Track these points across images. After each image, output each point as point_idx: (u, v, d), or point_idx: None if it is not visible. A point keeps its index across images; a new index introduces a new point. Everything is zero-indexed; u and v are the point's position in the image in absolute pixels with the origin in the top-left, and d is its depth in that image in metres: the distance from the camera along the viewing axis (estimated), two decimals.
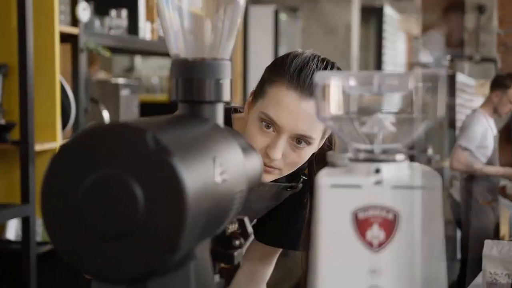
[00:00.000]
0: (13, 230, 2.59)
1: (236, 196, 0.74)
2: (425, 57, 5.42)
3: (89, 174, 0.62)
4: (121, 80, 3.18)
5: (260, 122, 1.25)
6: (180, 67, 0.80)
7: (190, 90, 0.80)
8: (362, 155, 0.71)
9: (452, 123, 6.92)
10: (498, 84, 4.29)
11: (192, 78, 0.80)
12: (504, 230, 4.71)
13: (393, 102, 0.74)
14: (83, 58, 2.68)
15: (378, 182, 0.68)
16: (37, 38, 2.42)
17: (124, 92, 3.06)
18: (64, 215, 0.63)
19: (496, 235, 4.33)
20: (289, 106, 1.22)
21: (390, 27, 7.75)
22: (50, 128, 2.48)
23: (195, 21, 0.82)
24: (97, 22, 2.95)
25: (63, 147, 0.63)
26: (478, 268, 4.47)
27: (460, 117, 7.18)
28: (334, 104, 0.72)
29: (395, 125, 0.71)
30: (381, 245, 0.68)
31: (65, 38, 2.63)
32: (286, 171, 1.30)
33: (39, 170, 2.44)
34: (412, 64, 8.81)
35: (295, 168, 1.31)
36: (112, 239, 0.61)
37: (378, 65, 7.49)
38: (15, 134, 2.39)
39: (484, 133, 4.22)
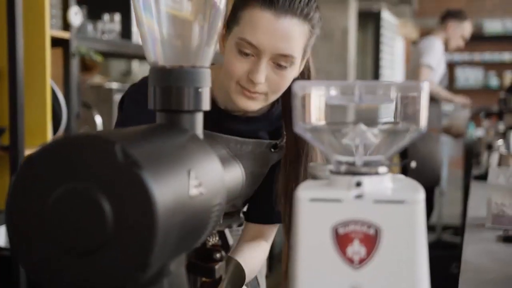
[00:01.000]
0: (3, 236, 2.57)
1: (213, 210, 0.71)
2: None
3: (57, 187, 0.59)
4: (115, 85, 3.16)
5: (238, 49, 1.23)
6: (158, 75, 0.78)
7: (168, 99, 0.77)
8: (343, 168, 0.69)
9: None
10: (454, 15, 4.37)
11: (171, 87, 0.77)
12: None
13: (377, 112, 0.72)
14: (74, 63, 2.65)
15: (359, 196, 0.66)
16: (27, 42, 2.40)
17: (118, 97, 3.03)
18: (30, 228, 0.60)
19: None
20: (266, 27, 1.20)
21: (387, 32, 7.73)
22: (41, 133, 2.46)
23: (173, 28, 0.79)
24: (89, 26, 2.93)
25: (30, 158, 0.61)
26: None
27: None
28: (314, 115, 0.70)
29: (377, 136, 0.69)
30: (362, 261, 0.65)
31: (57, 42, 2.60)
32: (272, 97, 1.27)
33: None
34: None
35: (279, 93, 1.28)
36: (80, 255, 0.59)
37: (376, 70, 7.47)
38: (4, 139, 2.36)
39: (440, 54, 4.33)
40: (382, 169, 0.68)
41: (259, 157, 1.39)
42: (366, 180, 0.67)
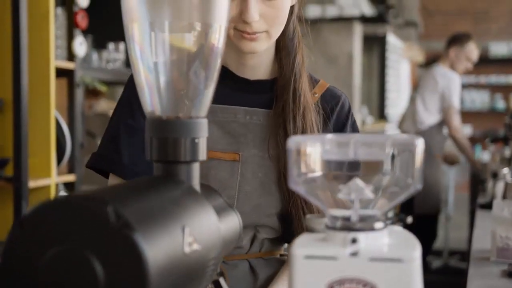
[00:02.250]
0: None
1: (209, 264, 0.71)
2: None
3: (49, 249, 0.59)
4: None
5: None
6: (154, 126, 0.78)
7: (165, 150, 0.77)
8: (338, 223, 0.68)
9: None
10: (455, 40, 4.39)
11: (167, 138, 0.77)
12: None
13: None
14: (79, 93, 2.66)
15: (354, 254, 0.65)
16: (32, 73, 2.41)
17: None
18: None
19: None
20: None
21: (393, 55, 7.75)
22: (45, 164, 2.46)
23: (170, 78, 0.79)
24: (94, 55, 2.95)
25: (22, 220, 0.60)
26: (425, 223, 4.50)
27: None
28: (308, 170, 0.69)
29: (373, 191, 0.69)
30: None
31: (62, 72, 2.62)
32: (274, 32, 1.19)
33: None
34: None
35: (282, 26, 1.20)
36: None
37: (381, 93, 7.47)
38: (8, 170, 2.36)
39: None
40: (378, 225, 0.68)
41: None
42: (361, 236, 0.66)
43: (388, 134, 0.92)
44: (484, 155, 8.76)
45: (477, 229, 2.45)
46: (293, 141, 0.68)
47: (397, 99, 8.33)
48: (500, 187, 2.94)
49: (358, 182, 0.69)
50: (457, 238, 5.71)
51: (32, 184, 2.38)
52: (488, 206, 2.89)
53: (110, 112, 3.16)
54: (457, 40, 4.40)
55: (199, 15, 0.77)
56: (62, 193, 2.80)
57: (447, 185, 5.73)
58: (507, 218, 1.82)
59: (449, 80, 4.35)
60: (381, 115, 7.39)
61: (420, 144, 0.67)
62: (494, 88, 10.30)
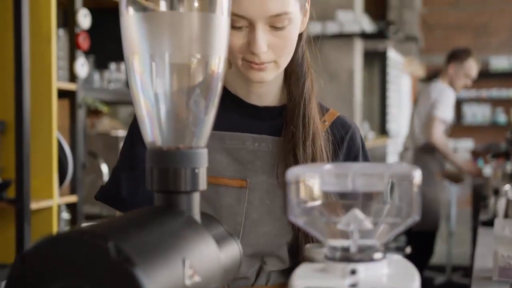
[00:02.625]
0: None
1: None
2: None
3: (50, 284, 0.59)
4: (121, 133, 3.18)
5: (231, 25, 1.09)
6: (155, 157, 0.79)
7: (166, 180, 0.78)
8: (338, 254, 0.69)
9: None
10: (454, 56, 4.39)
11: (168, 168, 0.78)
12: None
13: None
14: (81, 114, 2.68)
15: (353, 285, 0.66)
16: (34, 94, 2.43)
17: None
18: None
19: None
20: None
21: (394, 70, 7.77)
22: (47, 185, 2.47)
23: (171, 109, 0.80)
24: (96, 76, 2.96)
25: (23, 255, 0.61)
26: (422, 240, 4.49)
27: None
28: (307, 200, 0.70)
29: (372, 221, 0.69)
30: None
31: (63, 93, 2.63)
32: (282, 62, 1.19)
33: (35, 229, 2.42)
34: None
35: (290, 55, 1.19)
36: None
37: (383, 109, 7.49)
38: (10, 192, 2.37)
39: (452, 105, 4.37)
40: (377, 255, 0.68)
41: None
42: (361, 267, 0.67)
43: (387, 165, 0.91)
44: (486, 169, 8.77)
45: (479, 247, 2.45)
46: (292, 173, 0.69)
47: (398, 114, 8.35)
48: (502, 204, 2.94)
49: (357, 213, 0.69)
50: (460, 254, 5.70)
51: (34, 205, 2.39)
52: (490, 223, 2.89)
53: (112, 132, 3.16)
54: (456, 56, 4.40)
55: (198, 47, 0.78)
56: (64, 214, 2.80)
57: (449, 201, 5.72)
58: (509, 237, 1.82)
59: (441, 92, 4.37)
60: (383, 130, 7.41)
61: (417, 175, 0.67)
62: (495, 102, 10.32)
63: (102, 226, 0.63)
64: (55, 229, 2.50)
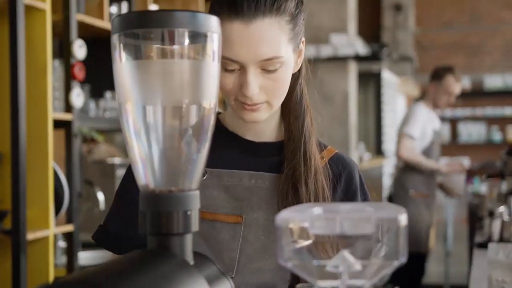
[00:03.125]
0: None
1: None
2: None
3: None
4: (117, 160, 3.19)
5: (223, 67, 1.14)
6: (148, 200, 0.80)
7: (158, 223, 0.80)
8: None
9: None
10: (434, 76, 4.43)
11: (160, 211, 0.79)
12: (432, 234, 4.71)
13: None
14: (76, 143, 2.70)
15: None
16: (30, 125, 2.44)
17: (121, 172, 3.06)
18: None
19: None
20: (239, 38, 1.12)
21: (388, 90, 7.82)
22: (43, 215, 2.48)
23: (163, 153, 0.82)
24: (92, 104, 2.99)
25: None
26: (411, 261, 4.47)
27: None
28: (297, 244, 0.71)
29: (361, 262, 0.71)
30: None
31: (59, 124, 2.65)
32: (275, 102, 1.19)
33: (31, 259, 2.43)
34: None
35: (283, 96, 1.20)
36: None
37: (378, 129, 7.52)
38: (7, 223, 2.38)
39: (424, 123, 4.33)
40: None
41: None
42: None
43: (375, 206, 0.92)
44: (481, 188, 8.78)
45: (474, 270, 2.46)
46: (281, 217, 0.71)
47: (394, 134, 8.38)
48: (496, 226, 2.95)
49: (346, 254, 0.71)
50: (458, 273, 5.69)
51: (30, 236, 2.40)
52: (485, 245, 2.90)
53: (108, 159, 3.17)
54: (435, 75, 4.44)
55: (190, 93, 0.80)
56: (61, 243, 2.81)
57: (446, 220, 5.73)
58: (503, 262, 1.83)
59: (412, 110, 4.42)
60: (378, 151, 7.43)
61: (403, 219, 0.69)
62: (490, 121, 10.37)
63: (95, 273, 0.64)
64: (51, 260, 2.51)
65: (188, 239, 0.81)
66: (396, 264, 0.70)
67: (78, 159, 2.70)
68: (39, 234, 2.45)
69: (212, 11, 1.17)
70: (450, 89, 4.37)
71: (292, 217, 0.71)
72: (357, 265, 0.71)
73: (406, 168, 4.38)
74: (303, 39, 1.24)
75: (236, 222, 1.22)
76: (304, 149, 1.24)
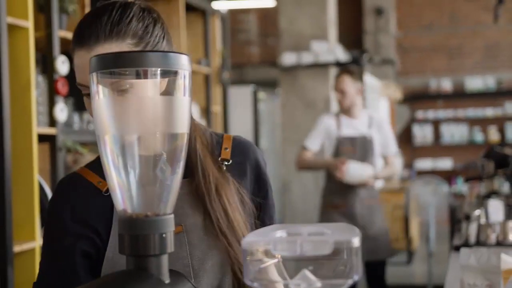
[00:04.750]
0: None
1: None
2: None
3: None
4: None
5: (83, 94, 1.20)
6: (126, 224, 0.87)
7: (136, 246, 0.86)
8: None
9: None
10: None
11: (138, 235, 0.86)
12: None
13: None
14: (61, 156, 2.75)
15: None
16: (15, 140, 2.49)
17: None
18: None
19: None
20: (83, 63, 1.19)
21: (371, 94, 7.90)
22: (29, 228, 2.53)
23: (139, 180, 0.89)
24: (76, 117, 3.04)
25: None
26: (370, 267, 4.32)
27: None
28: (261, 265, 0.79)
29: (320, 280, 0.78)
30: None
31: (44, 138, 2.71)
32: None
33: (17, 271, 2.48)
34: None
35: None
36: None
37: None
38: None
39: (326, 132, 4.24)
40: None
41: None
42: None
43: (332, 231, 0.98)
44: (464, 188, 8.91)
45: (450, 272, 2.51)
46: (246, 242, 0.78)
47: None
48: (473, 229, 3.01)
49: (307, 273, 0.78)
50: (442, 273, 5.77)
51: (17, 248, 2.45)
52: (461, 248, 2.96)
53: None
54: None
55: (163, 126, 0.87)
56: None
57: (428, 221, 5.82)
58: (474, 266, 1.88)
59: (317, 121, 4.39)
60: None
61: (356, 241, 0.76)
62: (472, 122, 10.51)
63: None
64: (37, 271, 2.56)
65: (164, 259, 0.88)
66: (350, 281, 0.78)
67: (63, 172, 2.75)
68: (25, 246, 2.50)
69: (71, 45, 1.24)
70: (335, 87, 4.26)
71: (256, 242, 0.78)
72: (317, 283, 0.78)
73: (326, 182, 4.36)
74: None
75: (178, 231, 1.25)
76: (202, 167, 1.29)
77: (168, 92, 0.88)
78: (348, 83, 4.16)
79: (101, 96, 0.87)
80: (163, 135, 0.88)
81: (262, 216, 1.36)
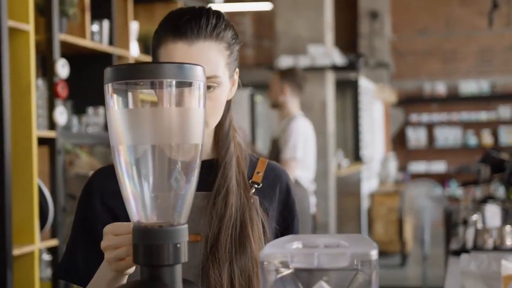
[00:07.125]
0: None
1: None
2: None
3: None
4: None
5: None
6: (140, 234, 0.88)
7: (150, 256, 0.87)
8: None
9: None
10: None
11: (151, 245, 0.87)
12: None
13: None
14: (60, 159, 2.75)
15: None
16: (15, 143, 2.49)
17: None
18: None
19: None
20: (181, 56, 1.21)
21: (366, 97, 7.92)
22: (28, 231, 2.53)
23: (153, 191, 0.89)
24: (75, 120, 3.04)
25: None
26: None
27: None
28: (278, 276, 0.79)
29: None
30: None
31: (43, 141, 2.70)
32: (212, 122, 1.26)
33: (17, 274, 2.47)
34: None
35: (219, 116, 1.27)
36: None
37: (356, 135, 7.62)
38: None
39: (305, 138, 4.20)
40: None
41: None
42: None
43: (349, 243, 0.99)
44: (458, 191, 8.94)
45: (449, 278, 2.52)
46: (264, 254, 0.78)
47: (372, 140, 8.49)
48: (470, 234, 3.01)
49: (323, 284, 0.79)
50: (436, 276, 5.80)
51: (16, 251, 2.45)
52: (459, 253, 2.96)
53: (90, 172, 3.21)
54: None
55: (177, 136, 0.88)
56: (46, 256, 2.85)
57: (422, 224, 5.83)
58: (475, 272, 1.89)
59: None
60: (357, 157, 7.53)
61: (374, 253, 0.77)
62: (465, 125, 10.54)
63: None
64: (37, 274, 2.56)
65: (178, 269, 0.89)
66: None
67: (62, 175, 2.75)
68: (24, 249, 2.50)
69: (156, 36, 1.26)
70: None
71: (273, 253, 0.78)
72: None
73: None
74: (237, 70, 1.33)
75: (195, 240, 1.25)
76: (223, 171, 1.30)
77: (183, 103, 0.88)
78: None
79: (115, 107, 0.88)
80: (177, 145, 0.88)
81: None
